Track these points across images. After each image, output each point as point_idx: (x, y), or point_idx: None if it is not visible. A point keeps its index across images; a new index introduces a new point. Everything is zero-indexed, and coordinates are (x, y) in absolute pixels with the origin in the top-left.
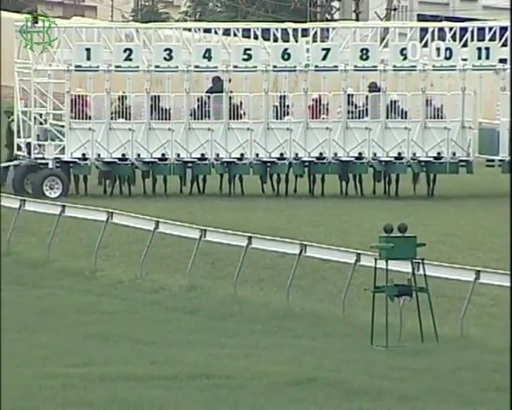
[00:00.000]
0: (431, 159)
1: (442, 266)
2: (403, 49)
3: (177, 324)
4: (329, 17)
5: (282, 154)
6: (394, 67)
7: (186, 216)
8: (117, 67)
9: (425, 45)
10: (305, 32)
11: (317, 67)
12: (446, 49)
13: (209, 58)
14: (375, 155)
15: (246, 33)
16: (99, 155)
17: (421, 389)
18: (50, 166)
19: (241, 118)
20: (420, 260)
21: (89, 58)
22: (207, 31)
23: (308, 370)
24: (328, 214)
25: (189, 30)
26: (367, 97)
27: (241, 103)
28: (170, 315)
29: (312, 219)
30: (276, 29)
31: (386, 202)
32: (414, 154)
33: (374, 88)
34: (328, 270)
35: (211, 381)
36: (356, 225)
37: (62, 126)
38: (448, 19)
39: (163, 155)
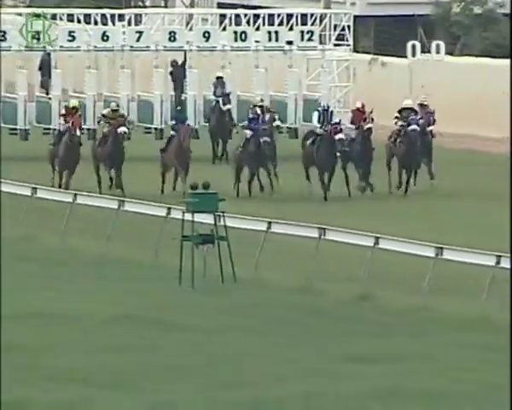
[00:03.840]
0: None
1: (239, 218)
2: (205, 32)
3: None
4: (142, 4)
5: None
6: (198, 47)
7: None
8: None
9: (224, 29)
10: (121, 17)
11: (132, 47)
12: (242, 32)
13: (38, 39)
14: None
15: (70, 18)
16: None
17: (224, 325)
18: None
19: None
20: (221, 213)
21: None
22: (37, 16)
23: (126, 309)
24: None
25: (21, 15)
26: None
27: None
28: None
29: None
30: (97, 14)
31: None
32: None
33: (175, 65)
34: (143, 222)
35: (43, 319)
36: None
37: None
38: (244, 6)
39: None
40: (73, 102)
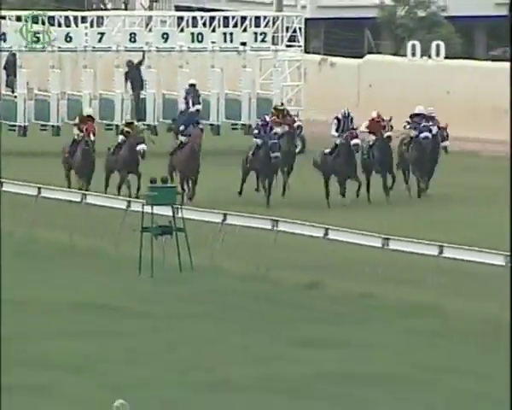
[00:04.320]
0: None
1: (196, 210)
2: (164, 34)
3: None
4: (103, 7)
5: None
6: (157, 48)
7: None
8: None
9: (181, 30)
10: (84, 19)
11: (94, 48)
12: (198, 33)
13: (4, 40)
14: None
15: (35, 20)
16: None
17: (182, 311)
18: None
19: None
20: (179, 206)
21: None
22: (3, 18)
23: (89, 297)
24: None
25: None
26: None
27: None
28: None
29: None
30: (60, 16)
31: None
32: None
33: (131, 65)
34: (105, 214)
35: (8, 307)
36: None
37: None
38: (200, 9)
39: None
40: (88, 111)
